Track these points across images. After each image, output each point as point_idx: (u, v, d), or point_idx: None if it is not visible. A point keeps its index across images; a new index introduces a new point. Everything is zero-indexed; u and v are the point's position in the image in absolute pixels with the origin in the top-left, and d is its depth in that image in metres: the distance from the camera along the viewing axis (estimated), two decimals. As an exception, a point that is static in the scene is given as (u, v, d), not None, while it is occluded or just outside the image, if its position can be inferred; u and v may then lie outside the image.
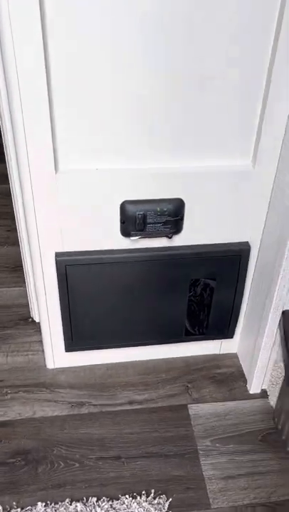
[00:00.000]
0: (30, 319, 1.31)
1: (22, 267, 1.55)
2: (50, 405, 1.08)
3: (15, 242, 1.68)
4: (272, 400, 1.09)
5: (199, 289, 1.05)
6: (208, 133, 0.88)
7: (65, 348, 1.12)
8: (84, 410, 1.07)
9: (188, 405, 1.09)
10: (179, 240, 0.99)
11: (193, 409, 1.09)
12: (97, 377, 1.15)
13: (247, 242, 1.01)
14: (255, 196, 0.95)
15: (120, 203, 0.91)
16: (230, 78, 0.82)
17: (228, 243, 1.00)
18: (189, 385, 1.14)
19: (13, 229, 1.74)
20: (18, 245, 1.70)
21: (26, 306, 1.34)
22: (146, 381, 1.14)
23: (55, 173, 0.86)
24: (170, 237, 0.96)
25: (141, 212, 0.91)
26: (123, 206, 0.91)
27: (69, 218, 0.92)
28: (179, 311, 1.08)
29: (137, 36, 0.76)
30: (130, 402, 1.09)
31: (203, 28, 0.77)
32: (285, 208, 0.89)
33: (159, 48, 0.78)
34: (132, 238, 0.95)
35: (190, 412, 1.08)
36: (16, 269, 1.52)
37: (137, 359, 1.19)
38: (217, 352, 1.22)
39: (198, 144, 0.89)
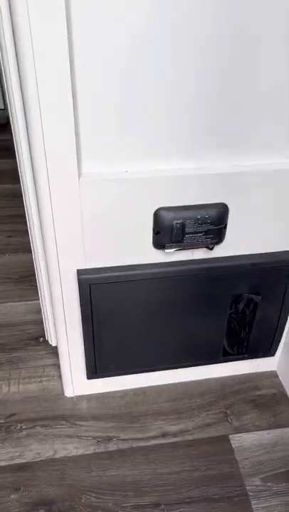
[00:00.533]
0: (42, 339, 1.17)
1: (28, 277, 1.41)
2: (72, 442, 0.94)
3: (17, 249, 1.53)
4: None
5: (242, 306, 0.91)
6: (256, 129, 0.74)
7: (87, 376, 0.98)
8: (112, 446, 0.93)
9: (230, 436, 0.96)
10: (220, 251, 0.85)
11: (236, 440, 0.96)
12: (122, 406, 1.02)
13: (296, 250, 0.88)
14: (309, 198, 0.81)
15: (154, 210, 0.77)
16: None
17: (275, 252, 0.87)
18: (228, 411, 1.01)
19: (15, 235, 1.60)
20: (22, 253, 1.57)
21: (36, 323, 1.20)
22: (178, 408, 1.01)
23: (78, 177, 0.72)
24: (211, 249, 0.82)
25: (179, 221, 0.77)
26: (157, 214, 0.77)
27: (93, 229, 0.78)
28: (217, 330, 0.95)
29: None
30: (164, 435, 0.96)
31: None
32: None
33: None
34: (167, 251, 0.81)
35: (233, 445, 0.95)
36: (21, 281, 1.37)
37: (166, 382, 1.06)
38: (254, 370, 1.09)
39: (245, 141, 0.75)
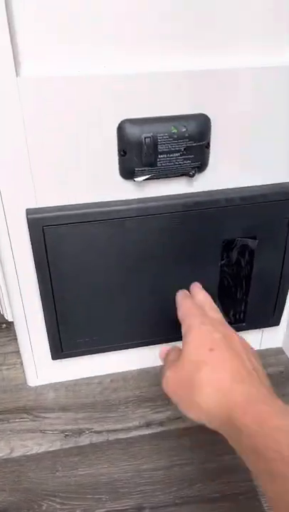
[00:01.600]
0: (5, 325, 0.99)
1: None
2: (34, 437, 0.75)
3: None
4: None
5: (235, 254, 0.75)
6: (240, 16, 0.59)
7: (52, 355, 0.80)
8: (83, 441, 0.74)
9: (230, 422, 0.78)
10: (204, 183, 0.69)
11: (238, 426, 0.77)
12: (98, 393, 0.83)
13: (298, 182, 0.72)
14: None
15: (118, 123, 0.62)
16: None
17: (274, 184, 0.71)
18: (227, 394, 0.83)
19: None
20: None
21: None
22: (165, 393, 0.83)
23: (16, 76, 0.56)
24: (192, 175, 0.66)
25: (149, 135, 0.61)
26: (122, 128, 0.61)
27: (42, 153, 0.62)
28: (206, 290, 0.78)
29: None
30: (148, 424, 0.77)
31: None
32: None
33: None
34: (138, 179, 0.65)
35: (234, 432, 0.76)
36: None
37: (151, 364, 0.88)
38: (257, 347, 0.91)
39: (231, 30, 0.60)
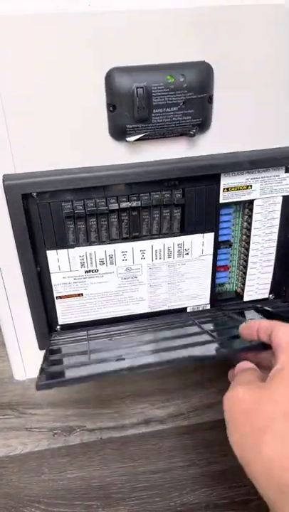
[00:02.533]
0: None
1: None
2: (19, 436, 0.67)
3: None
4: None
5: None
6: None
7: (39, 345, 0.72)
8: (74, 440, 0.66)
9: (239, 418, 0.69)
10: (207, 144, 0.60)
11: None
12: (91, 388, 0.75)
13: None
14: None
15: (106, 72, 0.54)
16: None
17: (282, 148, 0.63)
18: (235, 388, 0.74)
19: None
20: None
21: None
22: (168, 387, 0.74)
23: (-14, 14, 0.48)
24: (193, 135, 0.58)
25: (141, 85, 0.53)
26: (111, 78, 0.53)
27: (18, 110, 0.54)
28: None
29: None
30: (146, 422, 0.69)
31: None
32: None
33: None
34: (130, 139, 0.56)
35: (244, 429, 0.67)
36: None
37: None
38: (268, 336, 0.82)
39: None
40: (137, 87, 0.53)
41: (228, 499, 0.58)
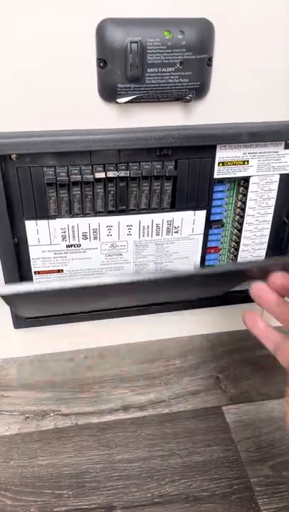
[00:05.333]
0: None
1: None
2: (-12, 419, 0.63)
3: None
4: None
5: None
6: None
7: (14, 323, 0.67)
8: (47, 424, 0.62)
9: (224, 407, 0.66)
10: (205, 112, 0.56)
11: (233, 413, 0.65)
12: (68, 371, 0.71)
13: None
14: None
15: (97, 23, 0.49)
16: None
17: (277, 123, 0.58)
18: (220, 376, 0.71)
19: None
20: None
21: None
22: (150, 372, 0.71)
23: None
24: (189, 100, 0.53)
25: (136, 39, 0.48)
26: (102, 30, 0.48)
27: (3, 60, 0.49)
28: (201, 251, 0.65)
29: None
30: (125, 408, 0.65)
31: None
32: None
33: None
34: (121, 100, 0.52)
35: (228, 419, 0.64)
36: None
37: (134, 340, 0.75)
38: (256, 324, 0.79)
39: None
40: (131, 42, 0.48)
41: (209, 491, 0.55)
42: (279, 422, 0.63)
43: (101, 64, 0.50)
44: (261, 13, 0.51)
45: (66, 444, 0.60)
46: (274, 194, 0.63)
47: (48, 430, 0.61)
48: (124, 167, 0.57)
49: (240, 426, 0.63)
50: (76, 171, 0.55)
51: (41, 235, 0.60)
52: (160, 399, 0.66)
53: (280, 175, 0.62)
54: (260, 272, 0.43)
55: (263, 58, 0.54)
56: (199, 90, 0.53)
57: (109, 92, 0.52)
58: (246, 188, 0.62)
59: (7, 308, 0.65)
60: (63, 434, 0.61)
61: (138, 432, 0.61)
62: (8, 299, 0.40)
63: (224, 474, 0.56)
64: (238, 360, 0.73)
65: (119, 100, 0.52)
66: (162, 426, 0.62)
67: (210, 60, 0.52)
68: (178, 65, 0.50)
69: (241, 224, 0.65)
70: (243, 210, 0.64)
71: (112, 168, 0.56)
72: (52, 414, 0.63)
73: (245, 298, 0.46)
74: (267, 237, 0.67)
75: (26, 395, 0.66)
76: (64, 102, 0.52)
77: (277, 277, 0.41)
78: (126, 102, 0.52)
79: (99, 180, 0.57)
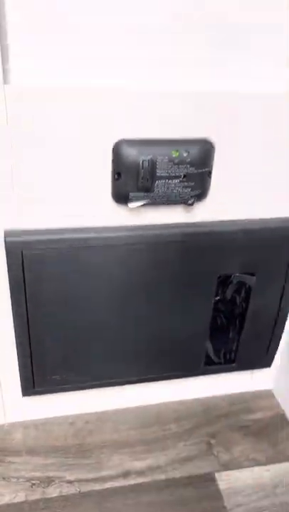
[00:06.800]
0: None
1: None
2: (-4, 486, 0.67)
3: None
4: None
5: (230, 291, 0.69)
6: (256, 42, 0.55)
7: (23, 391, 0.72)
8: (52, 492, 0.66)
9: (216, 474, 0.71)
10: (203, 213, 0.63)
11: (224, 480, 0.70)
12: (71, 435, 0.75)
13: (302, 217, 0.67)
14: None
15: (113, 143, 0.56)
16: None
17: (276, 219, 0.66)
18: (212, 441, 0.76)
19: None
20: None
21: None
22: (146, 438, 0.75)
23: (4, 83, 0.50)
24: (191, 204, 0.60)
25: (147, 158, 0.56)
26: (118, 148, 0.56)
27: (27, 170, 0.55)
28: (198, 328, 0.71)
29: None
30: (125, 474, 0.70)
31: None
32: None
33: None
34: (132, 205, 0.59)
35: (220, 486, 0.69)
36: None
37: (132, 405, 0.80)
38: (246, 389, 0.85)
39: (238, 52, 0.55)
40: (143, 160, 0.55)
41: None
42: (267, 489, 0.69)
43: (116, 176, 0.57)
44: (254, 135, 0.59)
45: (71, 512, 0.64)
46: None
47: (53, 498, 0.65)
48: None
49: (231, 492, 0.68)
50: (89, 262, 0.62)
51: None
52: (158, 464, 0.71)
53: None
54: None
55: (255, 169, 0.62)
56: (199, 196, 0.61)
57: (122, 198, 0.58)
58: (239, 272, 0.69)
59: (17, 376, 0.70)
60: (68, 502, 0.65)
61: (137, 499, 0.66)
62: None
63: None
64: (229, 424, 0.79)
65: (130, 205, 0.59)
66: (160, 493, 0.67)
67: (210, 172, 0.59)
68: (182, 177, 0.58)
69: (234, 303, 0.72)
70: (236, 291, 0.70)
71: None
72: (57, 482, 0.68)
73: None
74: (256, 315, 0.74)
75: (31, 460, 0.71)
76: (82, 204, 0.59)
77: None
78: (136, 207, 0.59)
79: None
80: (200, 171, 0.58)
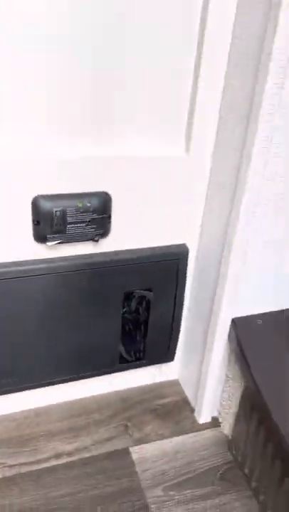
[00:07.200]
0: None
1: None
2: None
3: None
4: (227, 428, 0.94)
5: (134, 304, 0.88)
6: (135, 115, 0.74)
7: None
8: (-3, 475, 0.82)
9: (130, 448, 0.90)
10: (107, 245, 0.82)
11: (137, 452, 0.89)
12: (11, 430, 0.91)
13: (184, 244, 0.87)
14: (192, 188, 0.82)
15: (32, 198, 0.73)
16: (155, 63, 0.70)
17: (163, 246, 0.86)
18: (129, 424, 0.95)
19: None
20: None
21: None
22: (75, 426, 0.93)
23: None
24: (97, 241, 0.79)
25: (59, 209, 0.73)
26: (36, 202, 0.73)
27: None
28: (111, 334, 0.90)
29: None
30: (57, 456, 0.86)
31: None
32: (225, 200, 0.77)
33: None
34: (49, 244, 0.76)
35: (133, 457, 0.88)
36: None
37: (61, 400, 0.97)
38: (155, 381, 1.05)
39: (125, 127, 0.75)
40: (56, 210, 0.73)
41: (119, 512, 0.78)
42: (170, 455, 0.89)
43: (35, 222, 0.74)
44: (140, 185, 0.79)
45: (12, 489, 0.80)
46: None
47: (-3, 479, 0.81)
48: (52, 283, 0.80)
49: (141, 461, 0.87)
50: (18, 289, 0.78)
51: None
52: (84, 446, 0.89)
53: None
54: None
55: (144, 211, 0.81)
56: (103, 234, 0.79)
57: (41, 239, 0.76)
58: (140, 288, 0.88)
59: None
60: (10, 481, 0.81)
61: (68, 473, 0.83)
62: None
63: (129, 498, 0.80)
64: (142, 410, 0.98)
65: (48, 243, 0.76)
66: (85, 467, 0.85)
67: (109, 216, 0.78)
68: (88, 222, 0.76)
69: (139, 312, 0.91)
70: (140, 303, 0.90)
71: (44, 284, 0.80)
72: (0, 467, 0.83)
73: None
74: (158, 320, 0.93)
75: (-22, 452, 0.86)
76: (11, 245, 0.75)
77: None
78: (53, 244, 0.76)
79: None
80: (101, 216, 0.77)
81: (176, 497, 0.81)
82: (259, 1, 0.63)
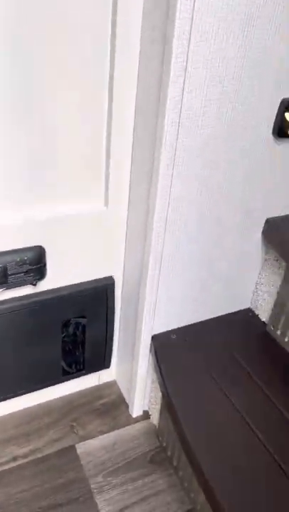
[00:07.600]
0: None
1: None
2: None
3: None
4: (155, 419, 1.15)
5: (71, 329, 1.05)
6: (59, 178, 0.89)
7: None
8: None
9: (76, 445, 1.09)
10: (45, 285, 0.97)
11: (81, 447, 1.08)
12: (-27, 440, 1.07)
13: (111, 276, 1.04)
14: (113, 234, 0.99)
15: (-24, 255, 0.87)
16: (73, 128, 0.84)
17: (93, 280, 1.03)
18: (74, 424, 1.13)
19: None
20: None
21: None
22: (27, 431, 1.10)
23: None
24: (35, 285, 0.94)
25: (1, 265, 0.88)
26: (-20, 260, 0.87)
27: None
28: (53, 354, 1.07)
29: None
30: (14, 459, 1.04)
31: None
32: (139, 242, 0.94)
33: None
34: (-5, 291, 0.91)
35: (78, 452, 1.07)
36: None
37: (14, 410, 1.14)
38: (96, 383, 1.23)
39: (50, 190, 0.89)
40: (-2, 266, 0.87)
41: (66, 499, 0.97)
42: (108, 447, 1.09)
43: (-19, 276, 0.88)
44: (68, 238, 0.94)
45: (-22, 491, 0.97)
46: (93, 315, 1.07)
47: None
48: None
49: (85, 454, 1.06)
50: None
51: None
52: (36, 447, 1.06)
53: (95, 306, 1.06)
54: None
55: (75, 256, 0.97)
56: (40, 279, 0.94)
57: (-13, 288, 0.90)
58: (76, 314, 1.05)
59: None
60: (-25, 484, 0.98)
61: (24, 473, 1.01)
62: None
63: (75, 486, 0.99)
64: (85, 410, 1.17)
65: (-7, 292, 0.90)
66: (38, 466, 1.03)
67: (44, 264, 0.93)
68: (25, 272, 0.91)
69: (76, 333, 1.08)
70: (76, 326, 1.06)
71: (-8, 323, 0.94)
72: None
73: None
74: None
75: None
76: None
77: None
78: (-2, 292, 0.91)
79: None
80: (36, 266, 0.92)
81: (113, 481, 1.02)
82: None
